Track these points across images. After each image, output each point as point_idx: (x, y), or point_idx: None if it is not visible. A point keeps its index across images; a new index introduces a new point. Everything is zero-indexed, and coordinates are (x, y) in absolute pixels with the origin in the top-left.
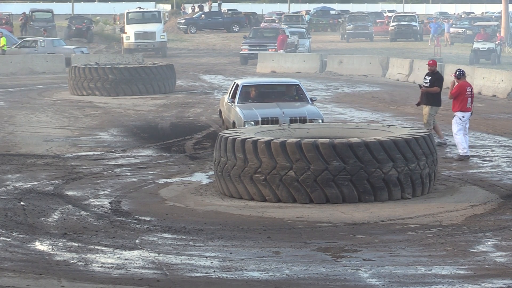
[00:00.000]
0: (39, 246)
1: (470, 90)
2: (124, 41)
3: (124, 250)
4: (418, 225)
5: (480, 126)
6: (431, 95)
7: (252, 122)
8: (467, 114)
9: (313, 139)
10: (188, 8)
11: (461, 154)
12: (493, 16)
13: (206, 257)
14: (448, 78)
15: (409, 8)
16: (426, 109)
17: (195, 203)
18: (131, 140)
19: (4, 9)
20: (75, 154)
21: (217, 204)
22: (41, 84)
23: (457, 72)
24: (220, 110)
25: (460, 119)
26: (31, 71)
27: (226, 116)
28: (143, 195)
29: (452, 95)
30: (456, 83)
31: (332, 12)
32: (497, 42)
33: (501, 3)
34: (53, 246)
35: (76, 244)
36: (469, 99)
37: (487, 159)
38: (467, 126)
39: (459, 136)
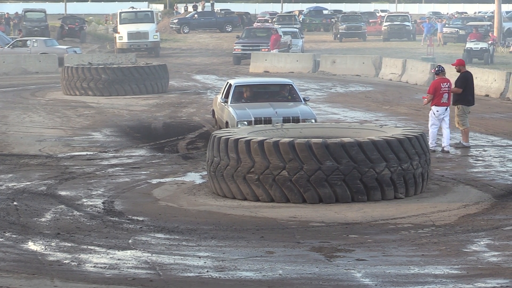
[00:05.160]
0: (32, 246)
1: (446, 86)
2: (117, 41)
3: (117, 250)
4: (411, 225)
5: (473, 126)
6: (455, 96)
7: (245, 122)
8: (441, 109)
9: (306, 139)
10: (181, 8)
11: (430, 147)
12: (485, 16)
13: (199, 257)
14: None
15: (402, 8)
16: (456, 109)
17: (188, 203)
18: (124, 140)
19: None
20: (68, 154)
21: (210, 204)
22: (34, 84)
23: (436, 68)
24: (213, 110)
25: (434, 113)
26: (24, 71)
27: (219, 116)
28: (136, 195)
29: (429, 93)
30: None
31: (325, 12)
32: (490, 42)
33: (493, 3)
34: (46, 246)
35: (69, 244)
36: (445, 94)
37: (480, 158)
38: (447, 119)
39: (431, 129)
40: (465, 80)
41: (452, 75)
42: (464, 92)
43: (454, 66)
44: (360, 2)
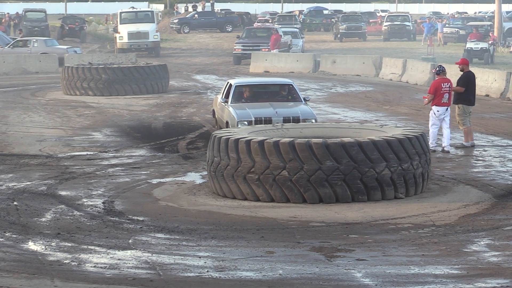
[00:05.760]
0: (32, 246)
1: (447, 86)
2: (117, 41)
3: (118, 250)
4: (411, 225)
5: (473, 125)
6: (456, 95)
7: (246, 122)
8: (442, 109)
9: (306, 139)
10: (181, 8)
11: (431, 147)
12: (486, 16)
13: (200, 257)
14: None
15: (402, 8)
16: (456, 109)
17: (188, 203)
18: (124, 140)
19: None
20: (68, 154)
21: (210, 204)
22: (34, 84)
23: (437, 68)
24: (213, 110)
25: (435, 113)
26: (24, 71)
27: (220, 116)
28: (136, 195)
29: (430, 93)
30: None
31: (325, 12)
32: (490, 42)
33: (493, 3)
34: (46, 246)
35: (69, 244)
36: (446, 94)
37: (480, 158)
38: (447, 119)
39: (431, 129)
40: (468, 80)
41: (452, 75)
42: (465, 91)
43: (458, 65)
44: (360, 2)
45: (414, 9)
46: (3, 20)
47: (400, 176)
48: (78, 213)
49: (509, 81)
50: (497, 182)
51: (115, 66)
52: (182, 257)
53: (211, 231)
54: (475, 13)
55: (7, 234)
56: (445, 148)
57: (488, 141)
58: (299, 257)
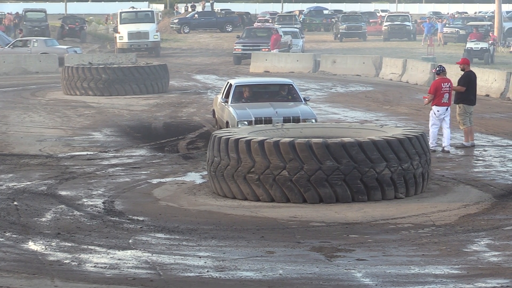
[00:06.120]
0: (32, 246)
1: (447, 86)
2: (118, 41)
3: (118, 250)
4: (411, 225)
5: (473, 125)
6: (457, 94)
7: (246, 122)
8: (442, 109)
9: (307, 139)
10: (181, 8)
11: (431, 147)
12: (486, 16)
13: (200, 257)
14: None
15: (402, 7)
16: (457, 108)
17: (188, 203)
18: (125, 140)
19: None
20: (69, 154)
21: (210, 204)
22: (34, 84)
23: (437, 68)
24: (213, 110)
25: (435, 113)
26: (24, 71)
27: (220, 116)
28: (136, 195)
29: (430, 93)
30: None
31: (325, 12)
32: (490, 42)
33: (493, 3)
34: (47, 246)
35: (70, 244)
36: (446, 94)
37: (481, 158)
38: (447, 119)
39: (431, 129)
40: (468, 79)
41: (453, 74)
42: (466, 91)
43: (459, 65)
44: (361, 2)
45: (414, 9)
46: (5, 21)
47: (400, 176)
48: (78, 213)
49: (509, 81)
50: (497, 182)
51: (115, 66)
52: (182, 257)
53: (211, 231)
54: (475, 13)
55: (7, 234)
56: (445, 148)
57: (488, 141)
58: (299, 257)
